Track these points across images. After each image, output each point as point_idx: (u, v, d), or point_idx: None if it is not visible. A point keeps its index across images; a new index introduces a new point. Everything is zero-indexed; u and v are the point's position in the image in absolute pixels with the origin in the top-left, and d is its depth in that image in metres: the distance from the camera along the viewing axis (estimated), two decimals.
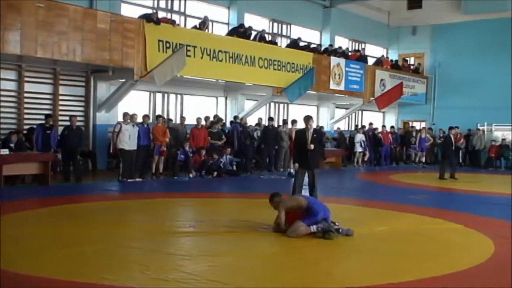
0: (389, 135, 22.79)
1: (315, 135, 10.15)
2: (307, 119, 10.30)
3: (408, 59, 27.68)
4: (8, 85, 13.93)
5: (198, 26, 16.99)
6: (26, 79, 14.17)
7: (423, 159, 23.27)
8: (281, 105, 22.58)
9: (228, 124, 18.65)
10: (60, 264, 5.83)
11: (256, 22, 20.76)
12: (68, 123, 13.81)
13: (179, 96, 18.59)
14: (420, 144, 23.03)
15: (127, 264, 5.94)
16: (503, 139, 23.46)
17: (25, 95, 14.20)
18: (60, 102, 14.91)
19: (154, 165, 14.90)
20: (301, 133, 10.36)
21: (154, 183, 14.28)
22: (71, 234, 7.37)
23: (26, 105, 14.24)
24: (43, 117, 13.60)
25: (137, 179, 14.12)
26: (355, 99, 23.18)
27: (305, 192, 10.46)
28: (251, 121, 18.75)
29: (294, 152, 10.87)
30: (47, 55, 12.79)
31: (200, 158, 15.64)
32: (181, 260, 6.10)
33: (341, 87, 21.47)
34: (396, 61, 26.46)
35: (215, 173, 15.58)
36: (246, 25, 18.91)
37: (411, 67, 27.10)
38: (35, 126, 13.52)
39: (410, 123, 26.88)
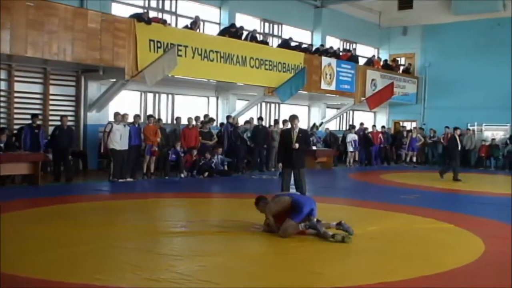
0: (380, 134, 22.87)
1: (300, 135, 10.09)
2: (293, 118, 10.24)
3: (399, 59, 27.79)
4: None
5: (189, 26, 16.95)
6: (16, 78, 14.09)
7: (414, 159, 23.37)
8: (273, 105, 22.59)
9: (219, 125, 18.63)
10: (51, 265, 5.80)
11: (247, 22, 20.76)
12: (58, 123, 13.74)
13: (170, 96, 18.56)
14: (411, 144, 23.14)
15: (119, 265, 5.92)
16: (493, 139, 23.63)
17: (15, 94, 14.12)
18: (51, 102, 14.84)
19: (145, 165, 14.87)
20: (287, 132, 10.33)
21: (145, 183, 14.25)
22: (62, 234, 7.33)
23: (16, 105, 14.16)
24: (39, 118, 13.56)
25: (128, 179, 14.08)
26: (346, 99, 23.23)
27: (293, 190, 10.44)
28: (243, 121, 18.71)
29: (278, 151, 10.76)
30: (37, 55, 12.72)
31: (192, 158, 15.62)
32: (172, 260, 6.09)
33: (332, 87, 21.51)
34: (386, 61, 26.54)
35: (207, 173, 15.57)
36: (238, 25, 18.90)
37: (401, 67, 27.20)
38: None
39: (401, 123, 27.01)
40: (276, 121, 19.30)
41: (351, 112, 26.18)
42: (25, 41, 12.30)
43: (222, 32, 18.05)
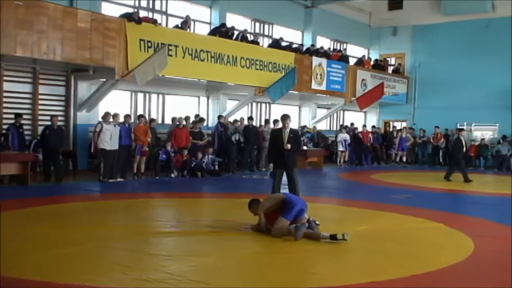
0: (369, 134, 22.94)
1: (291, 135, 9.83)
2: (284, 118, 9.91)
3: (389, 59, 27.90)
4: None
5: (180, 25, 16.92)
6: (5, 78, 13.98)
7: (404, 159, 23.47)
8: (263, 105, 22.60)
9: (210, 124, 18.63)
10: (41, 265, 5.76)
11: (238, 22, 20.75)
12: (48, 122, 13.67)
13: (160, 96, 18.52)
14: (401, 144, 23.24)
15: (109, 265, 5.90)
16: (482, 139, 23.79)
17: (4, 94, 14.00)
18: (40, 102, 14.74)
19: (135, 165, 14.82)
20: (278, 132, 10.04)
21: (135, 183, 14.20)
22: (52, 235, 7.29)
23: (5, 105, 14.04)
24: (22, 117, 13.48)
25: (119, 179, 14.04)
26: (337, 99, 23.28)
27: (284, 191, 10.42)
28: (232, 120, 18.69)
29: (269, 152, 10.53)
30: (26, 54, 12.65)
31: (182, 158, 15.60)
32: (163, 261, 6.07)
33: (323, 87, 21.56)
34: (377, 60, 26.65)
35: (200, 174, 15.54)
36: (228, 25, 18.89)
37: (391, 67, 27.30)
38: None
39: (391, 123, 27.12)
40: (267, 121, 19.30)
41: (341, 112, 26.26)
42: (14, 40, 12.21)
43: (213, 32, 18.04)
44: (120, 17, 14.73)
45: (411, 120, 26.77)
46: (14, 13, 12.16)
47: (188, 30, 17.38)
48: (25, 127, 13.85)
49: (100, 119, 14.16)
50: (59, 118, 14.37)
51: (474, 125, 24.78)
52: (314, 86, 21.11)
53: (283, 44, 20.88)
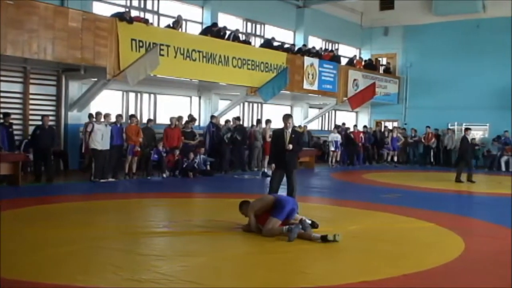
0: (361, 134, 23.01)
1: (293, 135, 9.59)
2: (286, 117, 9.69)
3: (380, 59, 27.99)
4: None
5: (171, 25, 16.89)
6: None
7: (395, 159, 23.56)
8: (255, 105, 22.60)
9: (202, 124, 18.60)
10: (32, 266, 5.74)
11: (230, 21, 20.73)
12: (39, 122, 13.61)
13: (152, 96, 18.47)
14: (392, 144, 23.33)
15: (100, 265, 5.89)
16: (473, 139, 23.86)
17: None
18: (31, 102, 14.66)
19: (127, 165, 14.77)
20: (279, 132, 9.78)
21: (127, 183, 14.17)
22: (43, 235, 7.26)
23: None
24: (12, 116, 13.40)
25: (110, 179, 14.00)
26: (329, 99, 23.33)
27: (283, 192, 10.39)
28: (224, 121, 18.66)
29: (270, 152, 10.25)
30: (17, 54, 12.57)
31: (174, 158, 15.57)
32: (154, 261, 6.06)
33: (315, 87, 21.58)
34: (370, 60, 26.72)
35: (191, 174, 15.52)
36: (220, 24, 18.87)
37: (382, 67, 27.39)
38: None
39: (383, 122, 27.21)
40: (259, 121, 19.31)
41: (333, 112, 26.31)
42: (5, 39, 12.12)
43: (204, 32, 18.01)
44: (111, 16, 14.68)
45: (402, 120, 26.87)
46: (4, 12, 12.07)
47: (180, 30, 17.35)
48: (15, 127, 13.79)
49: (88, 119, 14.11)
50: (50, 118, 14.30)
51: (465, 125, 24.85)
52: (306, 86, 21.13)
53: (275, 44, 20.89)
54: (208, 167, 16.52)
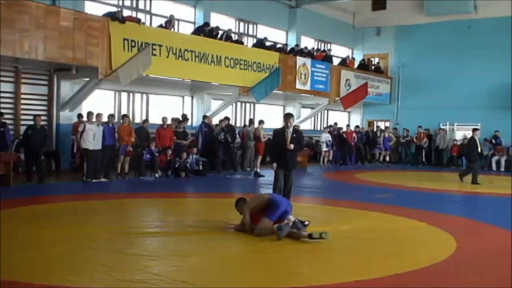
0: (353, 134, 23.06)
1: (294, 135, 9.55)
2: (287, 117, 9.62)
3: (372, 59, 28.06)
4: None
5: (164, 25, 16.86)
6: None
7: (387, 158, 23.63)
8: (248, 105, 22.60)
9: (194, 124, 18.55)
10: (23, 267, 5.71)
11: (222, 21, 20.72)
12: (30, 122, 13.53)
13: (144, 96, 18.43)
14: (384, 144, 23.40)
15: (92, 266, 5.87)
16: (464, 139, 23.97)
17: None
18: (22, 101, 14.59)
19: (119, 165, 14.73)
20: (280, 132, 9.73)
21: (119, 183, 14.12)
22: (34, 235, 7.22)
23: None
24: (4, 116, 13.32)
25: (102, 179, 13.94)
26: (321, 99, 23.36)
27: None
28: (217, 120, 18.63)
29: (272, 151, 10.16)
30: (8, 53, 12.49)
31: (166, 158, 15.54)
32: (147, 261, 6.05)
33: (307, 87, 21.61)
34: (363, 60, 26.79)
35: (184, 174, 15.50)
36: (213, 24, 18.86)
37: (373, 67, 27.47)
38: None
39: (375, 122, 27.28)
40: (251, 121, 19.30)
41: (325, 112, 26.35)
42: None
43: (196, 31, 17.99)
44: (103, 16, 14.63)
45: (394, 120, 26.94)
46: None
47: (172, 29, 17.32)
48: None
49: (75, 119, 14.05)
50: (42, 118, 14.23)
51: (457, 125, 25.04)
52: (298, 86, 21.15)
53: (268, 44, 20.89)
54: (201, 167, 16.49)
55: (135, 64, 14.09)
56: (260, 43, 20.55)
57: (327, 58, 23.60)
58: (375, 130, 25.33)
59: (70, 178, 14.15)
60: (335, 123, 23.41)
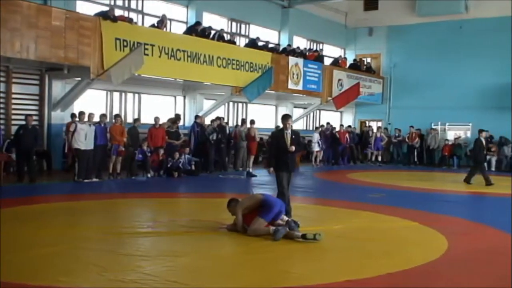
0: (346, 134, 23.11)
1: (293, 136, 9.27)
2: (286, 118, 9.32)
3: (364, 59, 28.13)
4: None
5: (156, 24, 16.82)
6: None
7: (379, 158, 23.71)
8: (240, 105, 22.59)
9: (186, 124, 18.52)
10: (15, 267, 5.68)
11: (214, 21, 20.70)
12: (21, 122, 13.46)
13: (136, 95, 18.39)
14: (376, 143, 23.47)
15: (84, 266, 5.85)
16: (456, 138, 24.13)
17: None
18: (13, 101, 14.50)
19: (111, 165, 14.68)
20: (279, 134, 9.50)
21: (111, 183, 14.08)
22: (26, 236, 7.19)
23: None
24: None
25: (94, 180, 13.90)
26: (313, 99, 23.39)
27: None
28: (209, 120, 18.62)
29: (270, 154, 9.79)
30: None
31: (158, 158, 15.51)
32: (139, 261, 6.04)
33: (299, 86, 21.63)
34: (355, 61, 26.85)
35: (176, 174, 15.47)
36: (205, 24, 18.83)
37: (364, 67, 27.55)
38: None
39: (367, 122, 27.35)
40: (244, 121, 19.30)
41: (318, 111, 26.38)
42: None
43: (188, 31, 17.96)
44: (95, 15, 14.57)
45: (386, 120, 27.03)
46: None
47: (164, 29, 17.28)
48: None
49: (70, 119, 13.99)
50: (33, 117, 14.16)
51: (448, 125, 25.16)
52: (290, 86, 21.17)
53: (260, 44, 20.88)
54: (193, 167, 16.47)
55: (127, 63, 14.04)
56: (253, 43, 20.55)
57: (319, 58, 23.63)
58: (367, 130, 25.37)
59: (61, 178, 14.09)
60: (328, 123, 23.45)
